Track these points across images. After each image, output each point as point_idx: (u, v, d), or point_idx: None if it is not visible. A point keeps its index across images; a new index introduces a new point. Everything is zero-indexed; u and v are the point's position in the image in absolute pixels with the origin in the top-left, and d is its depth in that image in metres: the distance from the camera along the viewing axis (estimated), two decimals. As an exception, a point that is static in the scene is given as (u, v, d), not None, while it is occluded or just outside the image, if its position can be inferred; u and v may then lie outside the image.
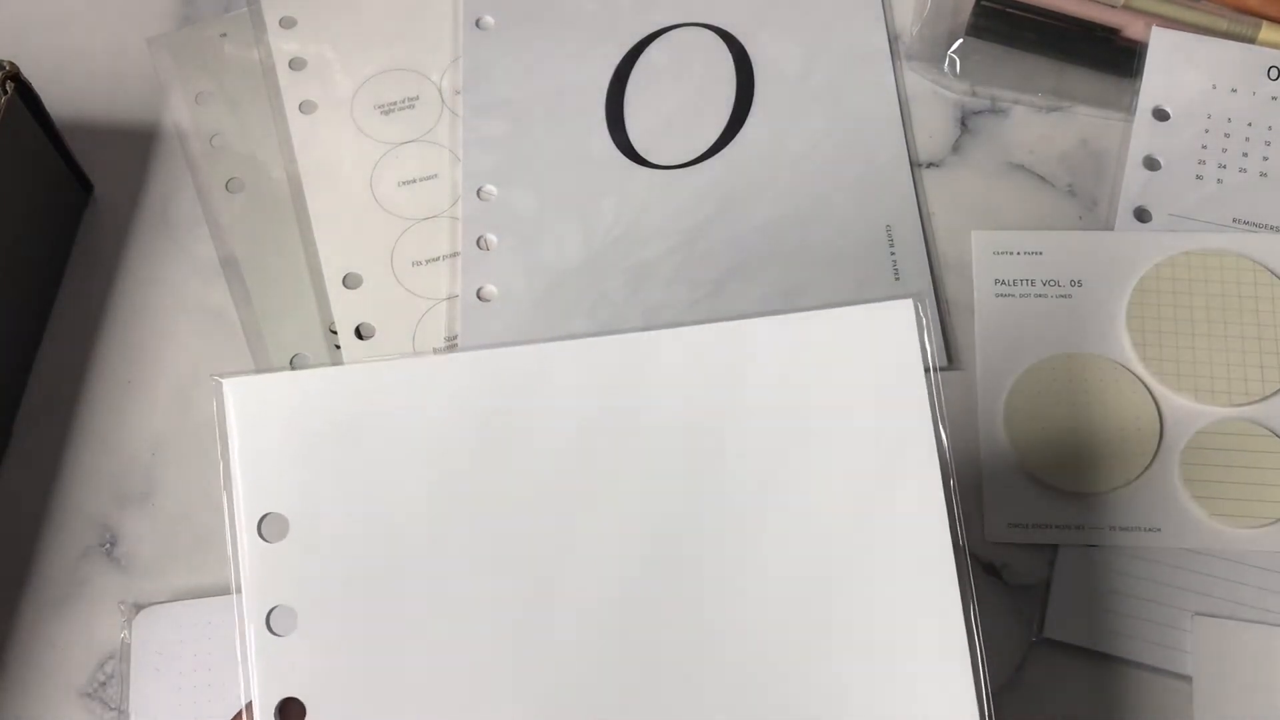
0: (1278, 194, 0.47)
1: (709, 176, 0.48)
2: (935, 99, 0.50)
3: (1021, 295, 0.45)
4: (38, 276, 0.46)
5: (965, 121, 0.50)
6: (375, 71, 0.50)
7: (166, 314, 0.46)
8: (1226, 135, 0.47)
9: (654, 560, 0.30)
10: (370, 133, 0.49)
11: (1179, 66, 0.48)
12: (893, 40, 0.51)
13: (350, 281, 0.46)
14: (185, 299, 0.47)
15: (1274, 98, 0.48)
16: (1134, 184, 0.47)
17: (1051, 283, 0.45)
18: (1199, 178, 0.47)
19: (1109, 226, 0.47)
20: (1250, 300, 0.44)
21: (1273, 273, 0.45)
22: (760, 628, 0.29)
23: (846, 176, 0.48)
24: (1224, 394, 0.43)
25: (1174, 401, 0.43)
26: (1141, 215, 0.46)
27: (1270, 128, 0.48)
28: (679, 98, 0.50)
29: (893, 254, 0.46)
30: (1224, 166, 0.47)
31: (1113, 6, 0.49)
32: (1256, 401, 0.43)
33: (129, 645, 0.41)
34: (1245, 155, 0.47)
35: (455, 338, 0.45)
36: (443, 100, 0.50)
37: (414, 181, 0.48)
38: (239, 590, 0.29)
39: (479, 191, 0.48)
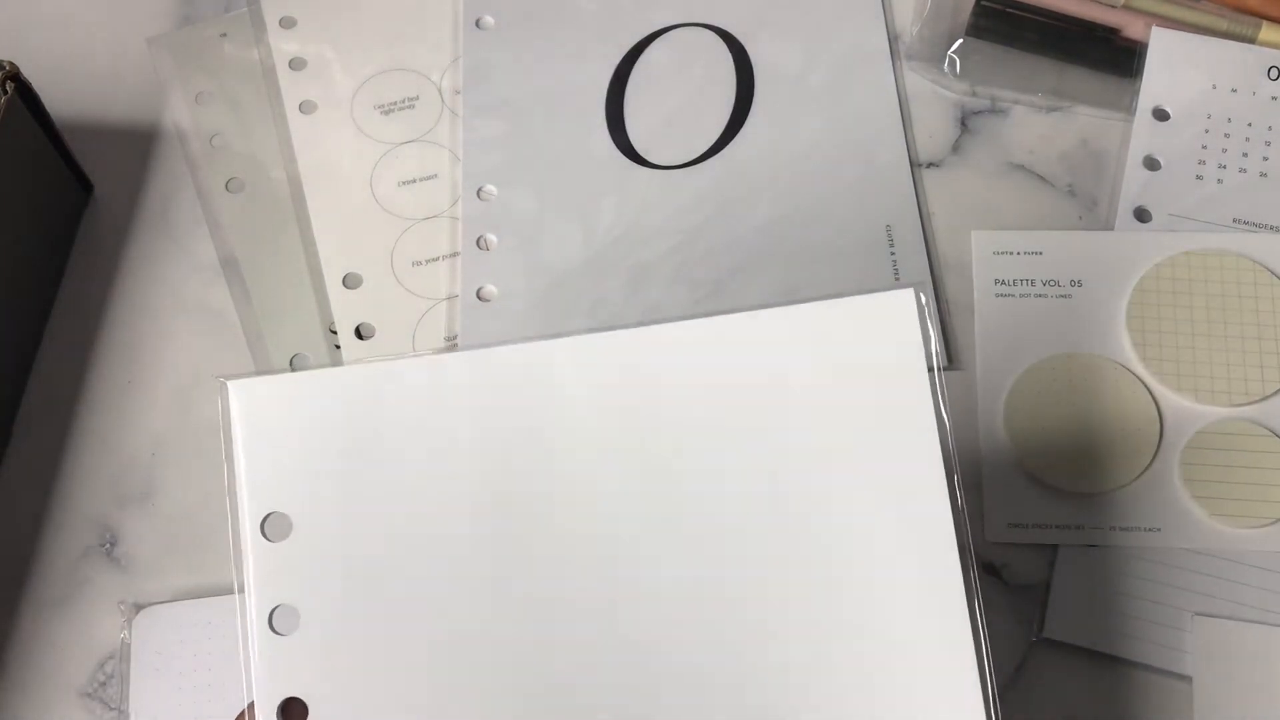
0: (1278, 194, 0.47)
1: (709, 176, 0.48)
2: (935, 99, 0.50)
3: (1021, 295, 0.45)
4: (38, 276, 0.46)
5: (965, 121, 0.50)
6: (375, 71, 0.50)
7: (166, 314, 0.46)
8: (1226, 135, 0.47)
9: (656, 558, 0.30)
10: (370, 133, 0.49)
11: (1179, 66, 0.48)
12: (893, 40, 0.51)
13: (350, 281, 0.46)
14: (185, 299, 0.47)
15: (1274, 98, 0.48)
16: (1134, 184, 0.47)
17: (1051, 283, 0.45)
18: (1199, 178, 0.47)
19: (1109, 226, 0.47)
20: (1250, 300, 0.44)
21: (1273, 273, 0.45)
22: (762, 626, 0.29)
23: (846, 176, 0.48)
24: (1224, 394, 0.43)
25: (1174, 401, 0.43)
26: (1141, 215, 0.46)
27: (1270, 128, 0.48)
28: (679, 98, 0.50)
29: (893, 254, 0.46)
30: (1224, 166, 0.47)
31: (1113, 6, 0.49)
32: (1256, 401, 0.43)
33: (129, 645, 0.41)
34: (1245, 155, 0.47)
35: (455, 338, 0.45)
36: (443, 100, 0.50)
37: (414, 181, 0.48)
38: (242, 590, 0.29)
39: (479, 191, 0.48)
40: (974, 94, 0.50)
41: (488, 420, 0.30)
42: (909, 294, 0.30)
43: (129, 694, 0.40)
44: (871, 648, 0.29)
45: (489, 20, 0.51)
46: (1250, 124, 0.48)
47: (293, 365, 0.45)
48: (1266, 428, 0.42)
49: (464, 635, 0.29)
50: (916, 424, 0.30)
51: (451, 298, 0.46)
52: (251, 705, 0.29)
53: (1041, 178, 0.48)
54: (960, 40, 0.50)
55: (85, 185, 0.48)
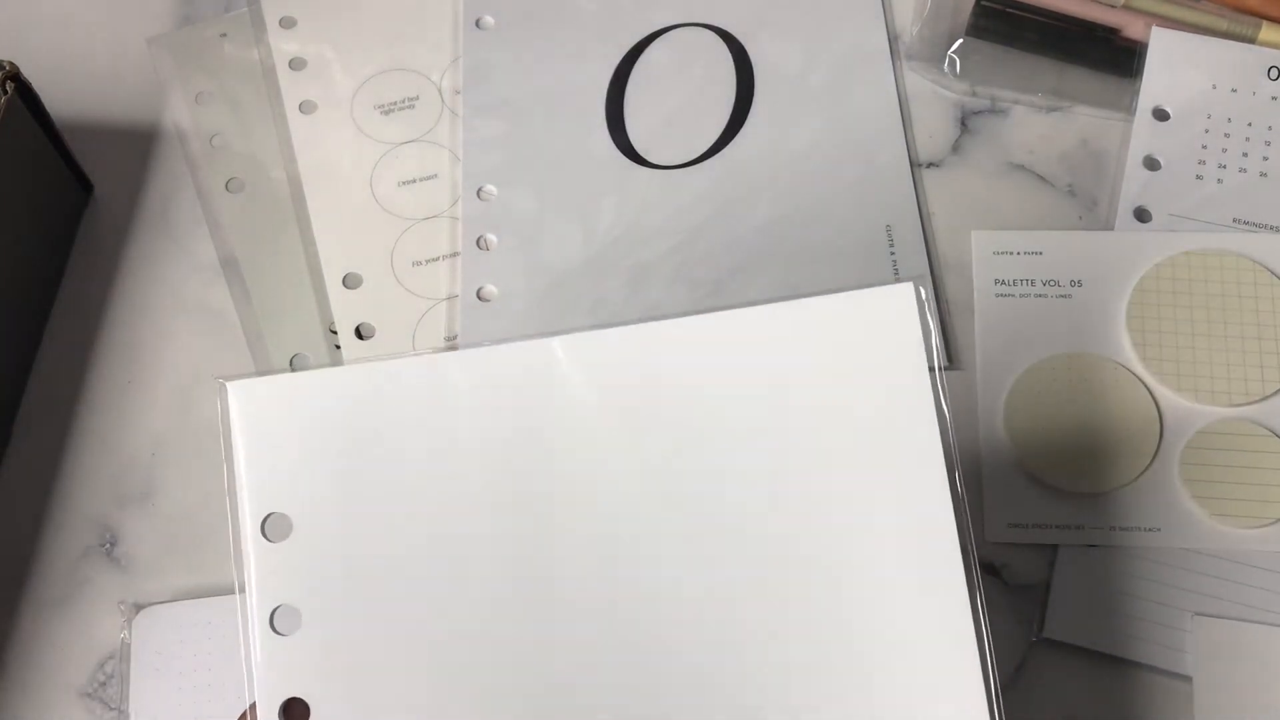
0: (1278, 194, 0.47)
1: (709, 176, 0.48)
2: (935, 99, 0.50)
3: (1021, 295, 0.45)
4: (38, 276, 0.46)
5: (965, 121, 0.50)
6: (375, 71, 0.50)
7: (166, 314, 0.46)
8: (1226, 135, 0.47)
9: (656, 558, 0.30)
10: (370, 133, 0.49)
11: (1179, 66, 0.48)
12: (893, 40, 0.51)
13: (350, 281, 0.46)
14: (185, 299, 0.47)
15: (1274, 98, 0.48)
16: (1134, 184, 0.47)
17: (1051, 283, 0.45)
18: (1199, 178, 0.47)
19: (1109, 226, 0.47)
20: (1250, 300, 0.44)
21: (1273, 273, 0.45)
22: (763, 625, 0.29)
23: (846, 176, 0.48)
24: (1224, 394, 0.43)
25: (1174, 401, 0.43)
26: (1141, 215, 0.46)
27: (1270, 128, 0.48)
28: (679, 98, 0.50)
29: (893, 254, 0.46)
30: (1224, 166, 0.47)
31: (1113, 6, 0.49)
32: (1256, 401, 0.43)
33: (129, 645, 0.41)
34: (1245, 155, 0.47)
35: (455, 338, 0.45)
36: (443, 100, 0.50)
37: (414, 181, 0.48)
38: (243, 590, 0.29)
39: (479, 191, 0.48)
40: (974, 94, 0.50)
41: (488, 419, 0.30)
42: (908, 288, 0.30)
43: (129, 694, 0.40)
44: (873, 647, 0.29)
45: (489, 20, 0.51)
46: (1250, 124, 0.48)
47: (293, 365, 0.45)
48: (1266, 428, 0.42)
49: (465, 634, 0.29)
50: (917, 417, 0.30)
51: (451, 298, 0.46)
52: (253, 706, 0.29)
53: (1041, 178, 0.48)
54: (960, 40, 0.50)
55: (85, 185, 0.48)
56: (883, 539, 0.29)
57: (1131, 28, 0.49)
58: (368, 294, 0.46)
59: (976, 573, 0.29)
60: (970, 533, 0.29)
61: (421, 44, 0.51)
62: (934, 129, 0.49)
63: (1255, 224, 0.46)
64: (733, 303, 0.45)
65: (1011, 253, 0.46)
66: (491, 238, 0.47)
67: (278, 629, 0.29)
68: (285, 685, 0.29)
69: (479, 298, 0.46)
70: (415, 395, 0.30)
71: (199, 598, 0.41)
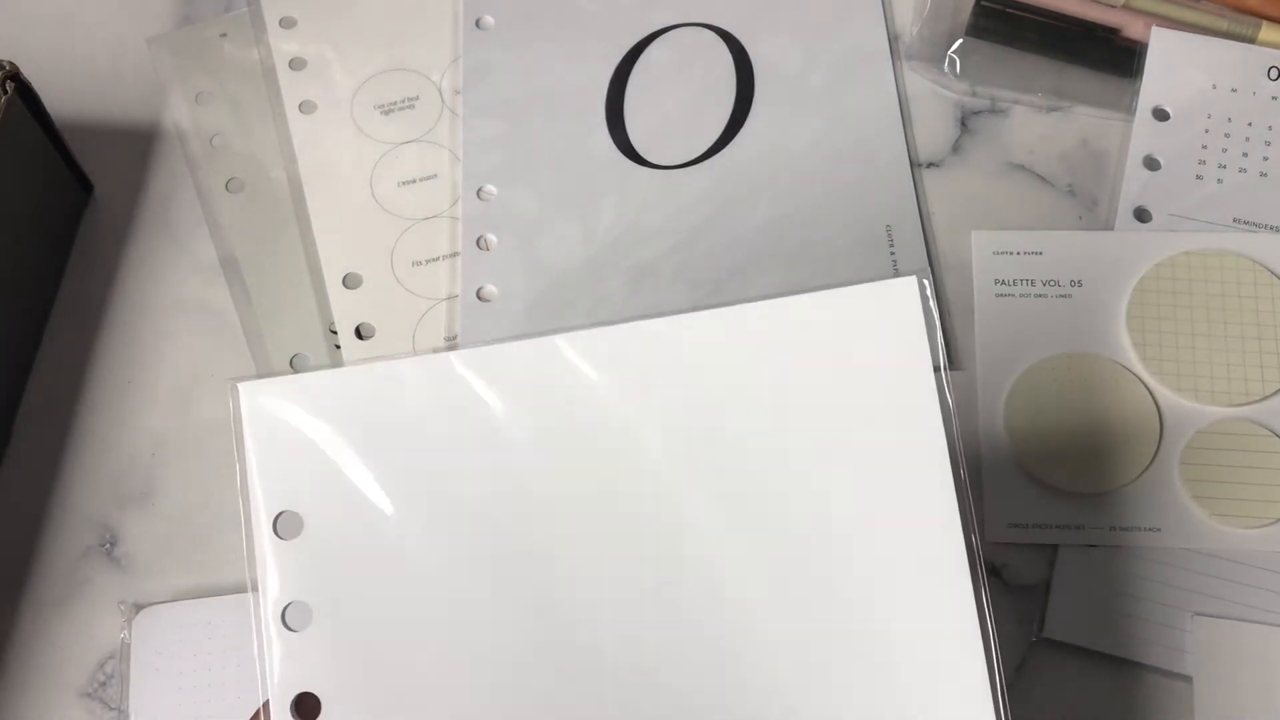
0: (1278, 194, 0.47)
1: (709, 176, 0.48)
2: (935, 99, 0.50)
3: (1021, 295, 0.45)
4: (38, 276, 0.46)
5: (965, 121, 0.50)
6: (375, 71, 0.50)
7: (166, 314, 0.46)
8: (1226, 135, 0.47)
9: (662, 556, 0.30)
10: (370, 133, 0.49)
11: (1179, 66, 0.48)
12: (893, 40, 0.51)
13: (350, 281, 0.46)
14: (185, 299, 0.47)
15: (1274, 98, 0.48)
16: (1134, 184, 0.47)
17: (1051, 283, 0.45)
18: (1199, 178, 0.47)
19: (1109, 226, 0.47)
20: (1250, 300, 0.44)
21: (1273, 273, 0.45)
22: (767, 624, 0.29)
23: (846, 176, 0.48)
24: (1224, 394, 0.43)
25: (1174, 401, 0.43)
26: (1141, 215, 0.46)
27: (1270, 128, 0.48)
28: (679, 98, 0.50)
29: (893, 254, 0.46)
30: (1224, 166, 0.47)
31: (1113, 6, 0.49)
32: (1256, 401, 0.43)
33: (129, 645, 0.41)
34: (1245, 155, 0.47)
35: (455, 337, 0.45)
36: (443, 100, 0.50)
37: (414, 181, 0.48)
38: (255, 588, 0.30)
39: (479, 191, 0.48)
40: (974, 94, 0.50)
41: (497, 416, 0.30)
42: (912, 281, 0.30)
43: (129, 694, 0.40)
44: (878, 644, 0.29)
45: (489, 20, 0.51)
46: (1250, 124, 0.48)
47: (293, 365, 0.45)
48: (1266, 428, 0.42)
49: (475, 630, 0.29)
50: (921, 409, 0.30)
51: (451, 298, 0.46)
52: (266, 704, 0.29)
53: (1041, 178, 0.48)
54: (960, 40, 0.50)
55: (85, 185, 0.48)
56: (887, 533, 0.29)
57: (1131, 28, 0.49)
58: (368, 294, 0.46)
59: (981, 567, 0.29)
60: (975, 526, 0.29)
61: (421, 44, 0.51)
62: (934, 129, 0.49)
63: (1255, 224, 0.46)
64: (726, 301, 0.45)
65: (1011, 253, 0.46)
66: (491, 238, 0.47)
67: (289, 625, 0.29)
68: (297, 681, 0.29)
69: (479, 298, 0.46)
70: (423, 393, 0.31)
71: (199, 598, 0.41)
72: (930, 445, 0.30)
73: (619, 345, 0.31)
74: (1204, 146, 0.47)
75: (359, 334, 0.45)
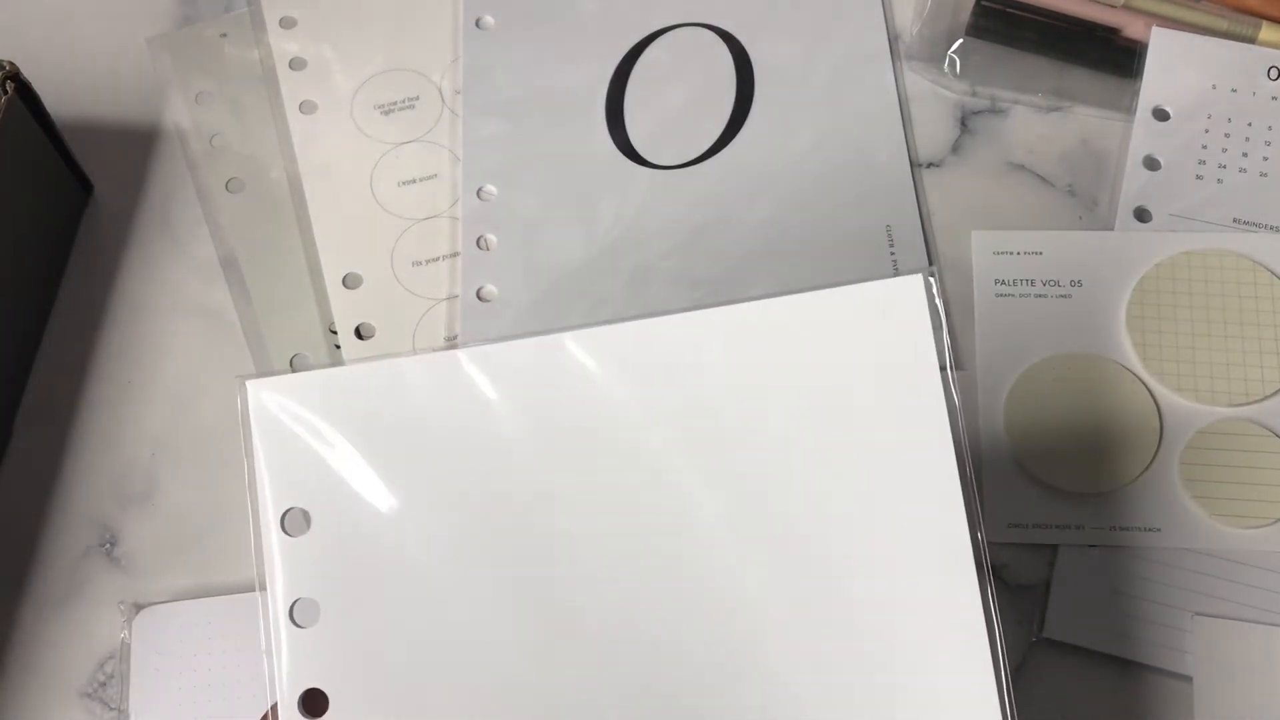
0: (1278, 194, 0.47)
1: (709, 176, 0.48)
2: (935, 99, 0.50)
3: (1021, 295, 0.45)
4: (38, 276, 0.46)
5: (965, 121, 0.50)
6: (375, 71, 0.50)
7: (166, 314, 0.46)
8: (1226, 135, 0.47)
9: (667, 554, 0.30)
10: (370, 133, 0.49)
11: (1179, 66, 0.48)
12: (893, 40, 0.51)
13: (350, 281, 0.46)
14: (185, 299, 0.47)
15: (1274, 98, 0.48)
16: (1134, 184, 0.47)
17: (1051, 283, 0.45)
18: (1199, 178, 0.47)
19: (1109, 226, 0.47)
20: (1250, 300, 0.44)
21: (1273, 273, 0.45)
22: (773, 624, 0.29)
23: (846, 177, 0.48)
24: (1224, 394, 0.43)
25: (1174, 401, 0.43)
26: (1141, 215, 0.46)
27: (1270, 128, 0.48)
28: (679, 98, 0.50)
29: (893, 254, 0.46)
30: (1224, 166, 0.47)
31: (1113, 6, 0.49)
32: (1256, 401, 0.43)
33: (129, 645, 0.41)
34: (1245, 155, 0.47)
35: (455, 337, 0.45)
36: (443, 100, 0.50)
37: (414, 181, 0.48)
38: (262, 585, 0.30)
39: (479, 191, 0.48)
40: (974, 94, 0.50)
41: (504, 413, 0.30)
42: (918, 279, 0.30)
43: (129, 694, 0.40)
44: (883, 644, 0.29)
45: (489, 20, 0.51)
46: (1250, 124, 0.48)
47: (293, 365, 0.45)
48: (1266, 428, 0.42)
49: (481, 626, 0.29)
50: (927, 408, 0.30)
51: (451, 298, 0.46)
52: (274, 707, 0.29)
53: (1041, 178, 0.48)
54: (960, 40, 0.50)
55: (85, 185, 0.48)
56: (892, 531, 0.29)
57: (1131, 28, 0.49)
58: (368, 294, 0.46)
59: (987, 566, 0.29)
60: (980, 523, 0.29)
61: (421, 44, 0.51)
62: (934, 129, 0.49)
63: (1255, 224, 0.46)
64: (731, 300, 0.45)
65: (1011, 253, 0.46)
66: (491, 238, 0.47)
67: (297, 622, 0.30)
68: (305, 677, 0.29)
69: (479, 298, 0.46)
70: (431, 391, 0.31)
71: (199, 598, 0.41)
72: (937, 444, 0.30)
73: (626, 343, 0.31)
74: (1204, 146, 0.47)
75: (359, 334, 0.45)
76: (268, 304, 0.46)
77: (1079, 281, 0.45)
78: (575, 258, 0.46)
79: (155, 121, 0.50)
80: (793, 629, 0.29)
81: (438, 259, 0.47)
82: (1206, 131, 0.48)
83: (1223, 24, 0.49)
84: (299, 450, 0.30)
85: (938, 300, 0.30)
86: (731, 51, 0.51)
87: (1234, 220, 0.46)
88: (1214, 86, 0.48)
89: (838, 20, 0.51)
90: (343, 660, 0.29)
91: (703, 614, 0.29)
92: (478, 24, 0.51)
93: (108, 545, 0.43)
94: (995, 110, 0.50)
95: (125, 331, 0.46)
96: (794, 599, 0.29)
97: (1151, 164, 0.47)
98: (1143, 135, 0.48)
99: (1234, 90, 0.48)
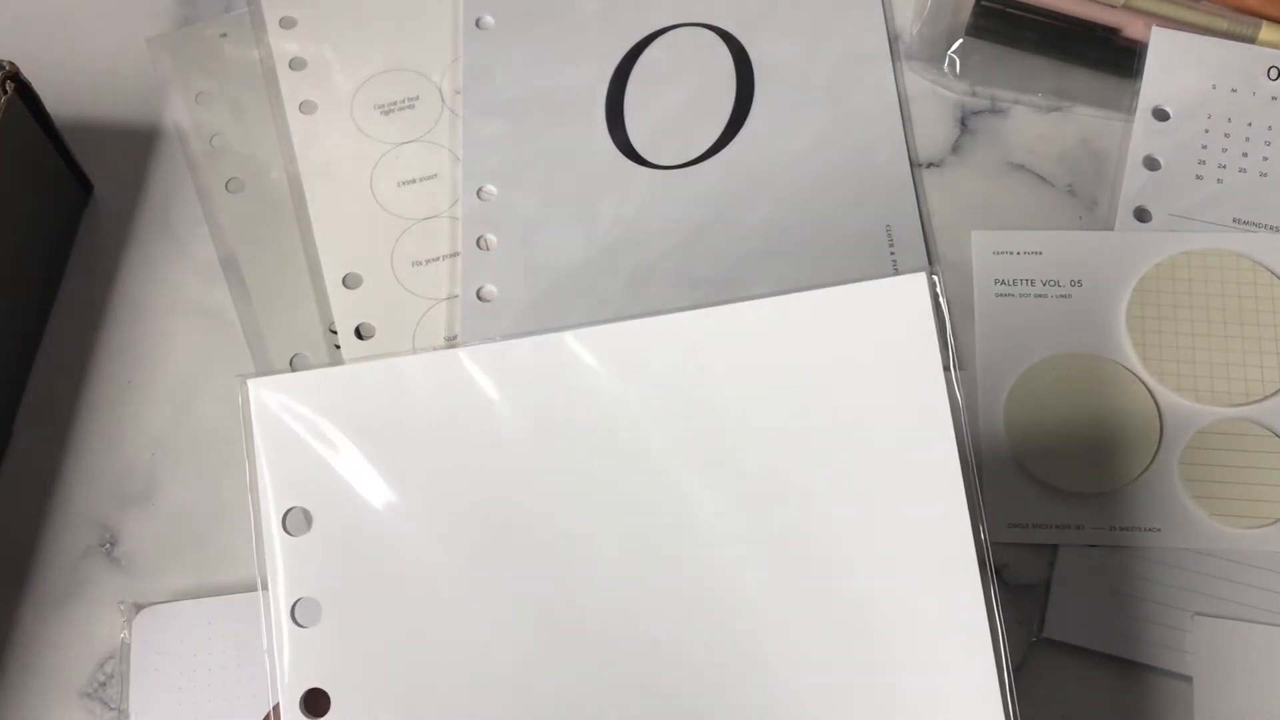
0: (1278, 194, 0.47)
1: (709, 176, 0.48)
2: (935, 99, 0.50)
3: (1021, 295, 0.45)
4: (38, 276, 0.46)
5: (965, 121, 0.50)
6: (375, 71, 0.50)
7: (166, 314, 0.46)
8: (1226, 135, 0.47)
9: (669, 553, 0.30)
10: (370, 133, 0.49)
11: (1179, 66, 0.48)
12: (893, 40, 0.51)
13: (350, 281, 0.46)
14: (185, 299, 0.47)
15: (1274, 98, 0.48)
16: (1134, 184, 0.47)
17: (1051, 283, 0.45)
18: (1199, 178, 0.47)
19: (1109, 226, 0.47)
20: (1250, 300, 0.44)
21: (1273, 273, 0.45)
22: (775, 618, 0.29)
23: (846, 176, 0.48)
24: (1224, 394, 0.43)
25: (1174, 401, 0.43)
26: (1141, 215, 0.46)
27: (1270, 128, 0.48)
28: (679, 98, 0.50)
29: (893, 254, 0.46)
30: (1224, 166, 0.47)
31: (1113, 6, 0.49)
32: (1256, 401, 0.43)
33: (129, 645, 0.41)
34: (1245, 155, 0.47)
35: (455, 338, 0.45)
36: (443, 100, 0.50)
37: (414, 181, 0.48)
38: (264, 584, 0.30)
39: (479, 191, 0.48)
40: (974, 94, 0.50)
41: (506, 412, 0.30)
42: (921, 278, 0.30)
43: (129, 694, 0.40)
44: (886, 643, 0.29)
45: (489, 20, 0.51)
46: (1250, 124, 0.48)
47: (293, 365, 0.45)
48: (1266, 428, 0.42)
49: (483, 626, 0.29)
50: (930, 407, 0.30)
51: (451, 298, 0.46)
52: (277, 708, 0.29)
53: (1041, 178, 0.48)
54: (960, 40, 0.50)
55: (85, 185, 0.48)
56: (895, 531, 0.29)
57: (1131, 28, 0.49)
58: (368, 294, 0.46)
59: (990, 566, 0.29)
60: (983, 521, 0.29)
61: (421, 44, 0.51)
62: (934, 129, 0.49)
63: (1255, 224, 0.46)
64: (733, 298, 0.45)
65: (1011, 253, 0.46)
66: (491, 238, 0.47)
67: (299, 621, 0.30)
68: (306, 677, 0.29)
69: (479, 298, 0.46)
70: (432, 390, 0.31)
71: (199, 598, 0.41)
72: (940, 443, 0.29)
73: (627, 342, 0.31)
74: (1204, 146, 0.47)
75: (359, 334, 0.45)
76: (268, 304, 0.46)
77: (1079, 281, 0.45)
78: (575, 258, 0.46)
79: (155, 121, 0.50)
80: (794, 629, 0.29)
81: (438, 259, 0.47)
82: (1206, 131, 0.48)
83: (1223, 24, 0.49)
84: (300, 450, 0.30)
85: (941, 299, 0.30)
86: (731, 51, 0.51)
87: (1234, 220, 0.46)
88: (1214, 86, 0.48)
89: (838, 20, 0.51)
90: (344, 660, 0.29)
91: (703, 614, 0.29)
92: (478, 24, 0.51)
93: (108, 545, 0.43)
94: (995, 110, 0.50)
95: (125, 331, 0.46)
96: (795, 599, 0.29)
97: (1151, 164, 0.47)
98: (1143, 135, 0.48)
99: (1234, 90, 0.48)
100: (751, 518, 0.30)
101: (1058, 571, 0.41)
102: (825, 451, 0.30)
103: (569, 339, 0.31)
